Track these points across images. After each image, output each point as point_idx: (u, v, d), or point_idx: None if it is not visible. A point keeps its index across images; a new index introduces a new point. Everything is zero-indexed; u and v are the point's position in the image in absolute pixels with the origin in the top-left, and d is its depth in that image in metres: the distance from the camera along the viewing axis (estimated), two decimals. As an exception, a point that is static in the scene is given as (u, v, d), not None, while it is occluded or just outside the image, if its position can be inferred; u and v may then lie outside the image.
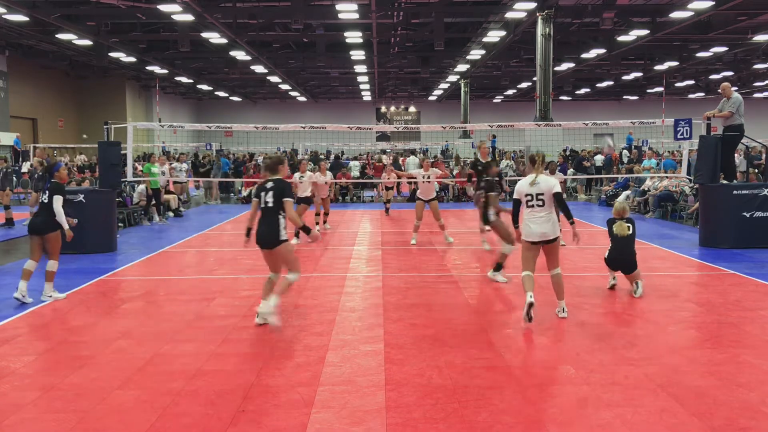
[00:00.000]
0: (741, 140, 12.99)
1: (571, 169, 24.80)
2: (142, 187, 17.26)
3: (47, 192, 8.12)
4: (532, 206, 6.95)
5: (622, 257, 8.20)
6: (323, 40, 28.44)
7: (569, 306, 7.47)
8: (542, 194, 6.90)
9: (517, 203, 7.10)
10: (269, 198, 6.86)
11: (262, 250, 7.01)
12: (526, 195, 6.98)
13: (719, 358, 5.84)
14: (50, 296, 8.21)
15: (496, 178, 10.47)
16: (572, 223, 6.92)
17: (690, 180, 15.30)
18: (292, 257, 7.05)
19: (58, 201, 8.04)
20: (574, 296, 8.26)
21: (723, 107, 12.29)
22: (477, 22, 26.00)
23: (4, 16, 22.22)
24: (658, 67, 35.67)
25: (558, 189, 6.99)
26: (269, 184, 6.95)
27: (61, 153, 34.58)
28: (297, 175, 13.57)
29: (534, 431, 4.38)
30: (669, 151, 31.81)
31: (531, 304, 6.66)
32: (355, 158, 31.98)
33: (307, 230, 7.26)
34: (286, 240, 6.95)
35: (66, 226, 8.11)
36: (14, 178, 17.10)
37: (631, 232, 8.23)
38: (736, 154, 15.13)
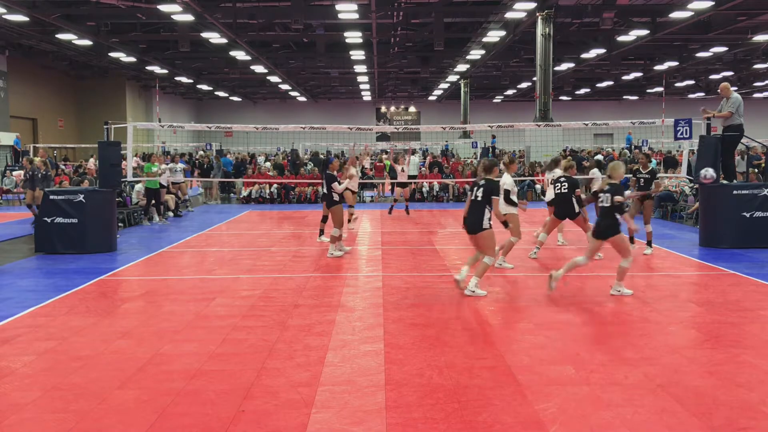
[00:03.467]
0: (741, 140, 12.98)
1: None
2: (139, 186, 17.27)
3: (326, 179, 11.31)
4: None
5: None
6: (323, 40, 28.44)
7: (569, 306, 7.49)
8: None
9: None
10: (479, 193, 8.25)
11: (468, 234, 8.41)
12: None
13: (719, 358, 5.84)
14: (339, 252, 11.38)
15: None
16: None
17: (690, 180, 15.30)
18: (490, 244, 8.29)
19: (335, 184, 11.09)
20: (575, 296, 8.27)
21: (722, 107, 12.29)
22: (477, 22, 25.99)
23: (4, 16, 22.22)
24: (658, 67, 35.67)
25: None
26: (482, 182, 8.32)
27: (61, 153, 34.61)
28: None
29: (534, 431, 4.38)
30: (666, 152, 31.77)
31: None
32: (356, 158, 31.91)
33: (506, 224, 8.94)
34: (489, 228, 8.21)
35: (341, 189, 11.19)
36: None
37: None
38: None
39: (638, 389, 5.07)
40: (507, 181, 9.77)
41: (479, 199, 8.23)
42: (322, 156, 31.66)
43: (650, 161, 12.71)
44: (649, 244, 11.47)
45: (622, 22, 25.08)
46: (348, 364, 5.71)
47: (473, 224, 8.24)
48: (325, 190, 11.62)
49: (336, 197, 11.26)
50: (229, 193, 25.23)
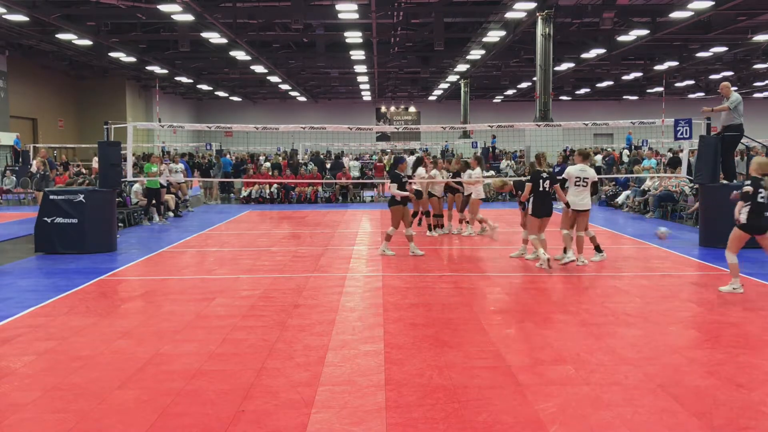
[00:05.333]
0: (741, 140, 12.98)
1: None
2: (137, 186, 17.27)
3: (391, 179, 11.30)
4: None
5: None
6: (323, 40, 28.44)
7: (569, 306, 7.49)
8: None
9: None
10: (546, 185, 9.69)
11: (541, 219, 9.85)
12: None
13: (719, 358, 5.84)
14: (383, 251, 11.32)
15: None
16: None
17: (690, 180, 15.29)
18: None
19: (393, 186, 11.08)
20: (575, 296, 8.27)
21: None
22: (477, 22, 26.00)
23: (4, 16, 22.21)
24: (658, 67, 35.66)
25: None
26: (544, 174, 9.67)
27: (60, 153, 34.59)
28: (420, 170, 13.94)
29: (534, 431, 4.38)
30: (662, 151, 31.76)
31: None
32: (357, 158, 31.90)
33: (568, 204, 9.99)
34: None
35: (406, 193, 11.17)
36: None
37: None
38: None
39: (638, 389, 5.07)
40: (571, 171, 10.27)
41: (548, 189, 9.72)
42: (322, 156, 31.72)
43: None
44: (597, 249, 10.45)
45: (622, 22, 25.08)
46: (348, 364, 5.71)
47: (550, 208, 9.83)
48: (397, 189, 11.16)
49: (398, 198, 11.10)
50: (229, 193, 25.23)
